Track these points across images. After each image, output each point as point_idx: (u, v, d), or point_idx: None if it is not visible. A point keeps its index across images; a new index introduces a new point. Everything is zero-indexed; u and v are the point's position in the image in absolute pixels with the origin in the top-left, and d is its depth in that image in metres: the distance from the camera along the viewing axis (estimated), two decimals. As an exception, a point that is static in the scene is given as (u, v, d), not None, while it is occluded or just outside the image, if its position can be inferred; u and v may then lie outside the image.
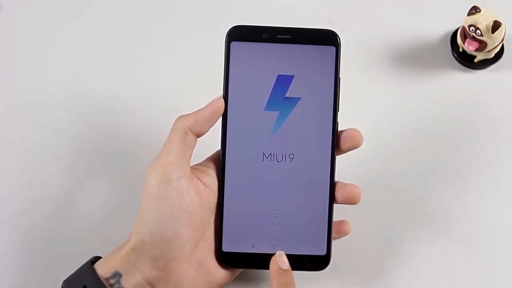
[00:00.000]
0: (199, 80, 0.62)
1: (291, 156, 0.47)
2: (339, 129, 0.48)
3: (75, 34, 0.65)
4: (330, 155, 0.47)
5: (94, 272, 0.44)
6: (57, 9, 0.66)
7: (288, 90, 0.47)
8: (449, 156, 0.59)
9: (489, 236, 0.55)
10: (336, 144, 0.48)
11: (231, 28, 0.47)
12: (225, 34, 0.47)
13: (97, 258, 0.47)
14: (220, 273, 0.48)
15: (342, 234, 0.50)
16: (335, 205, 0.48)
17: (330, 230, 0.48)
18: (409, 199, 0.57)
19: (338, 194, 0.48)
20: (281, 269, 0.46)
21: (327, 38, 0.47)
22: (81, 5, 0.66)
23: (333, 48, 0.47)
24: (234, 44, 0.47)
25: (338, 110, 0.48)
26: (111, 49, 0.64)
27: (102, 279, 0.44)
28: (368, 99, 0.61)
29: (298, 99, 0.47)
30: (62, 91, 0.62)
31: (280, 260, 0.46)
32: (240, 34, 0.47)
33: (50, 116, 0.61)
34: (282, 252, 0.47)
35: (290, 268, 0.46)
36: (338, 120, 0.48)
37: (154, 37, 0.65)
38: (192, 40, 0.65)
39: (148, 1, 0.67)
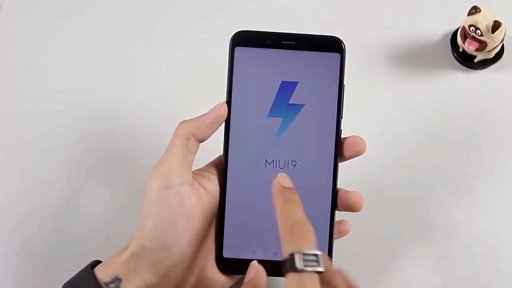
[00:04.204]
0: (200, 81, 0.62)
1: (294, 163, 0.47)
2: (342, 136, 0.48)
3: (75, 34, 0.65)
4: (332, 163, 0.47)
5: (94, 276, 0.44)
6: (57, 9, 0.66)
7: (292, 96, 0.47)
8: (449, 156, 0.59)
9: (489, 237, 0.55)
10: (339, 151, 0.47)
11: (235, 33, 0.47)
12: (229, 39, 0.47)
13: (97, 263, 0.46)
14: (220, 279, 0.48)
15: (342, 234, 0.49)
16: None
17: (331, 236, 0.48)
18: (408, 200, 0.57)
19: (340, 202, 0.47)
20: (284, 187, 0.43)
21: (332, 45, 0.47)
22: (81, 5, 0.66)
23: (337, 55, 0.47)
24: (238, 49, 0.47)
25: (342, 118, 0.47)
26: (111, 49, 0.64)
27: (102, 283, 0.44)
28: (367, 99, 0.61)
29: (302, 105, 0.47)
30: (62, 92, 0.62)
31: (283, 180, 0.43)
32: (244, 39, 0.47)
33: (50, 116, 0.61)
34: (284, 174, 0.44)
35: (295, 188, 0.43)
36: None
37: (154, 37, 0.65)
38: (192, 40, 0.64)
39: (148, 1, 0.67)
